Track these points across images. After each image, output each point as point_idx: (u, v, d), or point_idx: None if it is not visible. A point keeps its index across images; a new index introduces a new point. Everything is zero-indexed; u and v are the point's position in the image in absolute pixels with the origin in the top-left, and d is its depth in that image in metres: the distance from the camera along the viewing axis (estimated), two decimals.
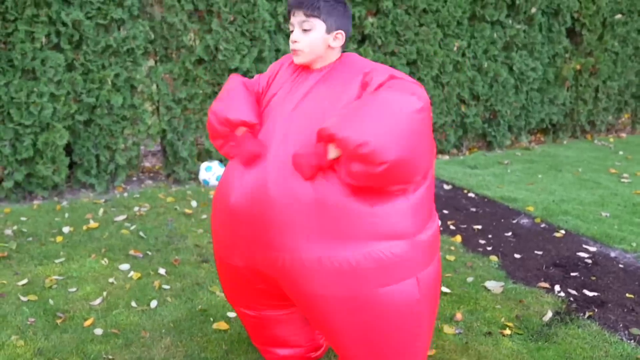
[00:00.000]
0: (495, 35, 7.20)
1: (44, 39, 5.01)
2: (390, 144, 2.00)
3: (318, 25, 2.27)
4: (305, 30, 2.28)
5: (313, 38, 2.28)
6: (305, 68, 2.40)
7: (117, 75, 5.34)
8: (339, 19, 2.30)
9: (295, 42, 2.30)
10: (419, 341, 2.37)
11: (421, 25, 6.64)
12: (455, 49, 6.94)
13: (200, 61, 5.68)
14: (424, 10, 6.60)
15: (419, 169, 2.13)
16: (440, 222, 4.20)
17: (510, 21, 7.27)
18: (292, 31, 2.32)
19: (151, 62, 5.67)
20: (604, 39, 8.01)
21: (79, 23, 5.08)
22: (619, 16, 7.98)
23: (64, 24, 5.05)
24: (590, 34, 7.88)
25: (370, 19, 6.33)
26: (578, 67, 7.95)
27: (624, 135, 8.91)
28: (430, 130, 2.18)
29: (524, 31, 7.38)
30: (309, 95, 2.30)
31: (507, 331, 3.36)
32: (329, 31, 2.29)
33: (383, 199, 2.16)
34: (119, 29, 5.32)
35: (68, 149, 5.47)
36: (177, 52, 5.64)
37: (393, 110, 2.06)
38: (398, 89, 2.13)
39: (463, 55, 7.08)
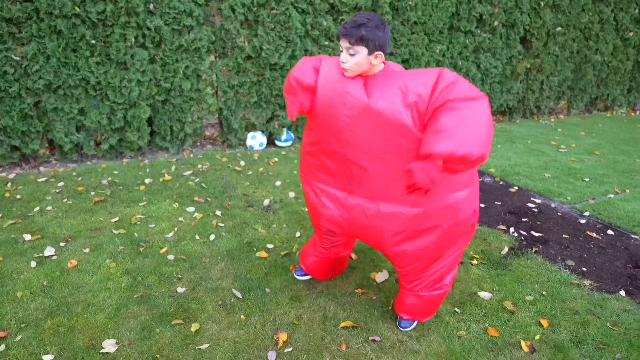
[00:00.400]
0: (467, 41, 6.96)
1: (133, 40, 4.85)
2: (475, 147, 1.91)
3: (361, 50, 2.08)
4: (351, 54, 2.10)
5: (357, 60, 2.10)
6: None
7: (187, 67, 5.18)
8: (378, 41, 2.08)
9: (344, 62, 2.13)
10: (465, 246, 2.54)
11: (412, 33, 6.40)
12: (437, 51, 6.71)
13: (248, 57, 5.49)
14: (415, 22, 6.36)
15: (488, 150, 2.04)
16: None
17: (478, 31, 7.02)
18: (341, 51, 2.13)
19: (212, 58, 5.50)
20: (548, 45, 7.80)
21: (159, 28, 4.91)
22: (559, 29, 7.76)
23: (148, 29, 4.89)
24: (537, 41, 7.66)
25: None
26: (528, 65, 7.75)
27: (561, 116, 8.69)
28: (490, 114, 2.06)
29: (489, 39, 7.15)
30: (371, 97, 2.11)
31: (475, 262, 3.26)
32: (370, 53, 2.09)
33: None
34: (189, 33, 5.14)
35: (149, 121, 5.34)
36: (232, 51, 5.45)
37: (472, 121, 1.93)
38: (463, 98, 1.97)
39: (443, 55, 6.83)
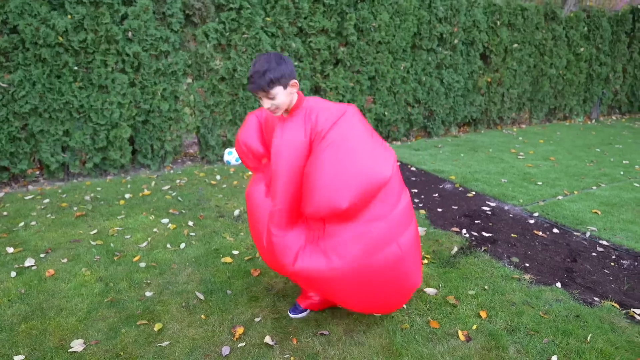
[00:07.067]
0: (429, 58, 7.12)
1: (113, 65, 4.95)
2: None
3: (278, 90, 2.06)
4: (271, 99, 2.07)
5: (278, 101, 2.08)
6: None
7: (164, 89, 5.28)
8: (286, 73, 2.05)
9: (270, 109, 2.10)
10: (408, 284, 2.35)
11: (377, 52, 6.55)
12: (402, 68, 6.86)
13: (223, 79, 5.61)
14: (379, 42, 6.51)
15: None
16: None
17: (440, 49, 7.19)
18: (260, 98, 2.09)
19: (189, 80, 5.61)
20: (506, 60, 7.99)
21: (138, 54, 5.02)
22: (515, 45, 7.95)
23: (128, 55, 4.99)
24: (496, 57, 7.85)
25: (342, 49, 6.24)
26: (489, 79, 7.91)
27: (524, 126, 8.86)
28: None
29: (450, 55, 7.31)
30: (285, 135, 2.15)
31: (425, 261, 3.34)
32: (285, 87, 2.08)
33: None
34: (166, 58, 5.25)
35: (131, 140, 5.44)
36: (207, 73, 5.57)
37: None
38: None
39: (408, 72, 6.98)
